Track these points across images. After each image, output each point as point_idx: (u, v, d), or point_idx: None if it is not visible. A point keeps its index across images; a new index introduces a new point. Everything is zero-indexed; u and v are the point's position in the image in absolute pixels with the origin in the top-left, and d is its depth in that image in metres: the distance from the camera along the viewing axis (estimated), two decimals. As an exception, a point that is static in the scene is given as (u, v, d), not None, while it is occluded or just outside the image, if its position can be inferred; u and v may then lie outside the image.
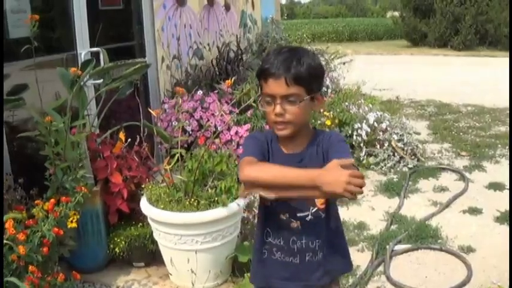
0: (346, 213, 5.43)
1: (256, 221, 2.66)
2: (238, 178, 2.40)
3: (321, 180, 2.01)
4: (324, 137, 2.42)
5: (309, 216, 2.41)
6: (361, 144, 6.99)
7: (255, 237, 2.62)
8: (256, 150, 2.38)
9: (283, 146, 2.43)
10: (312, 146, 2.41)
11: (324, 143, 2.39)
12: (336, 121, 7.01)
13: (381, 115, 7.46)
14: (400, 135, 7.23)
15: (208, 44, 8.08)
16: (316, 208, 2.41)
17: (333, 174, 2.00)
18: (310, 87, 2.29)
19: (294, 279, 2.49)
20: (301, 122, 2.35)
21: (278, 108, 2.26)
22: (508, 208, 5.41)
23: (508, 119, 9.20)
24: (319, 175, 2.03)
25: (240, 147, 5.60)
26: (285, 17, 18.94)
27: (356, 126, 7.02)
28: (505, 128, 8.79)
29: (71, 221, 3.84)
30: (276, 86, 2.25)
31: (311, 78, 2.29)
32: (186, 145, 5.37)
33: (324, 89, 8.53)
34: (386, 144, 7.04)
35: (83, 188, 3.99)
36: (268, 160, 2.39)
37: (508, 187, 6.14)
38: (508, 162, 7.05)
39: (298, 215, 2.41)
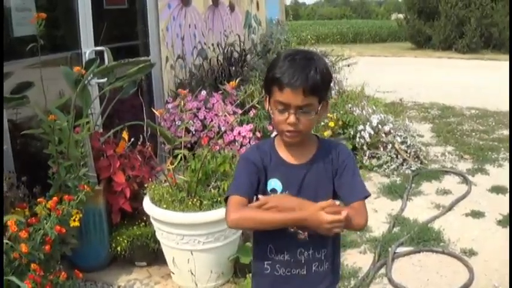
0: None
1: (253, 237, 2.58)
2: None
3: (306, 223, 2.16)
4: (332, 152, 2.40)
5: None
6: (364, 146, 6.98)
7: (255, 253, 2.56)
8: (246, 182, 2.34)
9: (286, 154, 2.40)
10: (319, 159, 2.39)
11: (334, 160, 2.38)
12: (340, 123, 7.01)
13: (384, 117, 7.46)
14: (404, 137, 7.23)
15: (212, 44, 8.08)
16: None
17: (317, 220, 2.12)
18: (323, 96, 2.28)
19: None
20: (310, 130, 2.35)
21: (293, 118, 2.22)
22: (510, 212, 5.41)
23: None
24: (304, 220, 2.16)
25: (243, 147, 5.61)
26: (290, 18, 18.97)
27: (359, 128, 7.01)
28: (508, 132, 8.77)
29: (74, 220, 3.84)
30: (293, 96, 2.19)
31: (325, 87, 2.29)
32: (189, 145, 5.37)
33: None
34: (389, 147, 7.03)
35: (85, 186, 3.99)
36: (266, 171, 2.36)
37: (511, 191, 6.14)
38: (511, 165, 7.04)
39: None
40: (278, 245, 2.41)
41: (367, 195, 2.35)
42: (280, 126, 2.29)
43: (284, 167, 2.37)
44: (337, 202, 2.21)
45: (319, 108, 2.27)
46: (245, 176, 2.36)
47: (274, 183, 2.36)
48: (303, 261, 2.40)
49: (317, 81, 2.20)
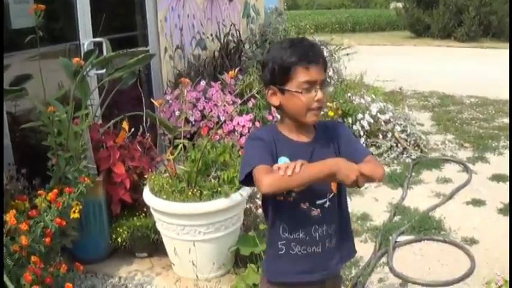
0: (350, 204, 5.41)
1: (264, 216, 2.61)
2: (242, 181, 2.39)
3: (338, 167, 2.18)
4: (328, 128, 2.51)
5: (327, 203, 2.43)
6: (362, 133, 6.96)
7: (268, 234, 2.57)
8: (266, 155, 2.34)
9: (291, 135, 2.44)
10: (320, 136, 2.46)
11: (333, 135, 2.48)
12: (339, 112, 6.99)
13: (384, 106, 7.45)
14: (403, 126, 7.22)
15: (211, 35, 8.06)
16: (332, 193, 2.44)
17: (349, 166, 2.19)
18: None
19: (314, 270, 2.49)
20: None
21: (321, 94, 2.33)
22: (511, 200, 5.40)
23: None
24: (336, 163, 2.21)
25: (243, 137, 5.60)
26: (285, 7, 18.81)
27: (359, 117, 7.00)
28: (508, 120, 8.75)
29: (74, 212, 3.84)
30: (317, 72, 2.31)
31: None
32: (189, 135, 5.36)
33: (328, 79, 8.52)
34: (389, 135, 7.03)
35: (85, 178, 3.98)
36: (276, 149, 2.39)
37: (511, 179, 6.14)
38: (511, 153, 7.04)
39: (318, 202, 2.41)
40: (292, 224, 2.44)
41: (371, 152, 2.50)
42: (306, 106, 2.34)
43: (291, 145, 2.42)
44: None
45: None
46: (263, 150, 2.37)
47: (283, 160, 2.35)
48: (317, 238, 2.45)
49: (324, 57, 2.38)
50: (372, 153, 2.40)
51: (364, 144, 6.91)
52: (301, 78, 2.30)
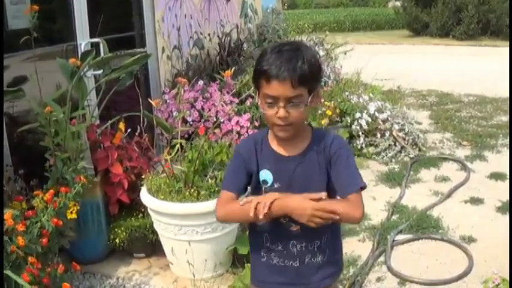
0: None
1: (249, 225, 2.58)
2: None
3: (289, 210, 2.19)
4: (325, 142, 2.36)
5: None
6: (362, 134, 6.96)
7: (252, 241, 2.58)
8: (236, 177, 2.40)
9: (279, 147, 2.38)
10: (312, 150, 2.36)
11: (326, 151, 2.35)
12: (337, 111, 6.99)
13: (382, 105, 7.45)
14: (402, 124, 7.22)
15: (209, 34, 8.05)
16: None
17: (300, 206, 2.17)
18: (313, 86, 2.24)
19: (294, 283, 2.46)
20: (303, 122, 2.33)
21: (282, 112, 2.20)
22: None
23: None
24: (285, 205, 2.19)
25: (241, 136, 5.60)
26: (285, 7, 18.76)
27: (357, 115, 7.00)
28: (506, 118, 8.74)
29: (71, 212, 3.84)
30: (280, 88, 2.17)
31: (314, 77, 2.24)
32: (186, 135, 5.36)
33: (325, 78, 8.52)
34: (387, 134, 7.02)
35: (82, 178, 3.98)
36: (258, 161, 2.38)
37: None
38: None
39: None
40: (272, 236, 2.42)
41: (363, 187, 2.30)
42: (270, 120, 2.27)
43: (275, 158, 2.37)
44: (324, 194, 2.19)
45: (309, 100, 2.24)
46: (233, 171, 2.43)
47: (265, 174, 2.37)
48: (295, 254, 2.41)
49: (305, 72, 2.18)
50: (362, 188, 2.31)
51: (363, 142, 6.92)
52: (264, 91, 2.23)
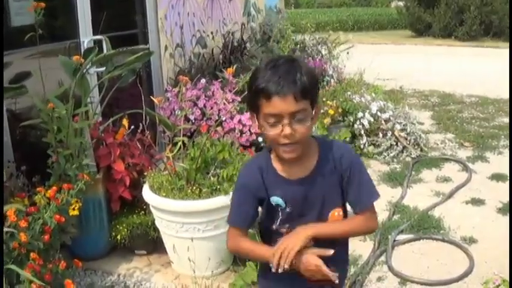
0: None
1: (260, 237, 2.53)
2: None
3: (298, 264, 2.18)
4: (334, 158, 2.25)
5: None
6: (362, 132, 6.95)
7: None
8: (241, 215, 2.34)
9: (284, 169, 2.26)
10: (321, 170, 2.25)
11: (338, 167, 2.25)
12: (339, 110, 6.99)
13: (384, 104, 7.44)
14: (404, 125, 7.22)
15: (211, 33, 8.05)
16: None
17: (307, 263, 2.18)
18: (314, 99, 2.14)
19: None
20: (308, 137, 2.22)
21: (288, 129, 2.06)
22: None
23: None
24: (278, 250, 2.17)
25: (243, 135, 5.59)
26: (291, 7, 18.73)
27: (359, 115, 6.99)
28: (508, 119, 8.74)
29: (73, 209, 3.85)
30: (283, 104, 2.03)
31: (314, 88, 2.14)
32: (189, 133, 5.36)
33: (328, 78, 8.52)
34: (389, 134, 7.02)
35: (85, 175, 3.99)
36: (267, 188, 2.27)
37: (511, 178, 6.14)
38: (511, 153, 7.03)
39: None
40: None
41: (376, 199, 2.32)
42: (275, 141, 2.14)
43: (283, 183, 2.26)
44: (331, 251, 2.21)
45: (313, 113, 2.14)
46: (239, 204, 2.35)
47: (276, 199, 2.27)
48: None
49: (305, 83, 2.07)
50: (375, 198, 2.34)
51: (365, 142, 6.91)
52: (264, 111, 2.08)
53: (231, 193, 3.98)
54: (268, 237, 2.39)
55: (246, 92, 2.27)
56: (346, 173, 2.25)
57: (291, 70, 2.07)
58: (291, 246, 2.16)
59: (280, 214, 2.30)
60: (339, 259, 2.39)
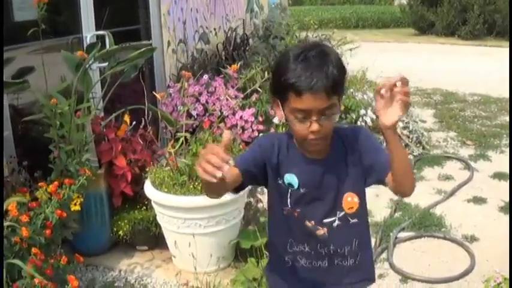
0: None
1: (270, 231, 2.45)
2: None
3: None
4: (348, 138, 2.21)
5: (336, 222, 2.22)
6: (365, 130, 6.94)
7: (273, 249, 2.46)
8: (246, 159, 2.20)
9: (304, 150, 2.19)
10: (337, 150, 2.20)
11: (354, 147, 2.20)
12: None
13: (386, 102, 7.42)
14: (406, 122, 7.21)
15: (214, 29, 8.04)
16: (343, 212, 2.22)
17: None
18: (342, 92, 2.09)
19: (322, 283, 2.32)
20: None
21: (316, 126, 2.00)
22: (512, 198, 5.40)
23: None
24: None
25: (245, 131, 5.60)
26: (290, 2, 18.67)
27: (361, 112, 6.99)
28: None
29: (75, 204, 3.85)
30: (314, 101, 1.96)
31: (343, 81, 2.07)
32: (191, 129, 5.36)
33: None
34: (391, 132, 7.00)
35: (87, 170, 3.99)
36: (281, 163, 2.19)
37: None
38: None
39: (325, 221, 2.21)
40: (298, 240, 2.27)
41: None
42: (301, 135, 2.08)
43: (303, 162, 2.19)
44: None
45: (340, 107, 2.07)
46: (249, 156, 2.23)
47: (290, 177, 2.19)
48: (323, 254, 2.27)
49: (336, 77, 1.99)
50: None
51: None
52: (293, 105, 2.00)
53: (232, 189, 4.00)
54: (279, 224, 2.32)
55: (269, 78, 2.17)
56: (361, 150, 2.19)
57: (323, 64, 1.98)
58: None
59: (290, 195, 2.22)
60: (363, 267, 2.37)
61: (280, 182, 2.22)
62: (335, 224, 2.22)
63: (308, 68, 1.96)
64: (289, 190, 2.21)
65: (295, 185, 2.20)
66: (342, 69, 2.04)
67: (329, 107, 2.00)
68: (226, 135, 1.80)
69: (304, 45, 2.09)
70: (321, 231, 2.22)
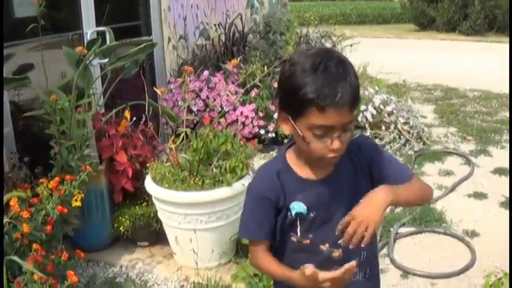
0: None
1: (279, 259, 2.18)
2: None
3: (303, 284, 1.91)
4: (352, 151, 2.04)
5: None
6: (367, 126, 6.94)
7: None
8: (264, 227, 2.06)
9: (304, 170, 2.05)
10: (343, 165, 2.04)
11: (360, 159, 2.07)
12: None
13: (387, 98, 7.43)
14: (407, 118, 7.22)
15: (215, 25, 8.05)
16: None
17: (312, 280, 1.85)
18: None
19: None
20: None
21: (338, 144, 1.84)
22: (513, 193, 5.40)
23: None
24: (299, 281, 1.91)
25: (246, 127, 5.60)
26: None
27: (362, 108, 6.99)
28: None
29: (75, 200, 3.85)
30: (338, 117, 1.80)
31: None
32: (192, 125, 5.37)
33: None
34: (392, 127, 7.01)
35: (87, 166, 3.99)
36: (286, 197, 2.03)
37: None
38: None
39: (340, 242, 1.93)
40: (312, 262, 1.95)
41: (412, 174, 2.13)
42: (319, 154, 1.91)
43: (306, 186, 2.04)
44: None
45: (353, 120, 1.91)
46: (263, 216, 2.07)
47: (297, 207, 2.02)
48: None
49: (357, 88, 1.85)
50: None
51: (368, 135, 6.90)
52: (313, 121, 1.81)
53: (233, 185, 4.01)
54: (281, 253, 2.14)
55: (277, 89, 1.97)
56: (371, 162, 2.07)
57: (346, 75, 1.82)
58: (370, 218, 1.83)
59: (299, 223, 2.06)
60: (371, 278, 2.29)
61: (287, 213, 2.06)
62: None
63: (331, 80, 1.79)
64: (298, 218, 2.06)
65: (304, 211, 2.04)
66: (357, 75, 1.89)
67: (350, 122, 1.87)
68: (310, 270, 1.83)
69: (317, 53, 1.90)
70: (337, 253, 2.08)
